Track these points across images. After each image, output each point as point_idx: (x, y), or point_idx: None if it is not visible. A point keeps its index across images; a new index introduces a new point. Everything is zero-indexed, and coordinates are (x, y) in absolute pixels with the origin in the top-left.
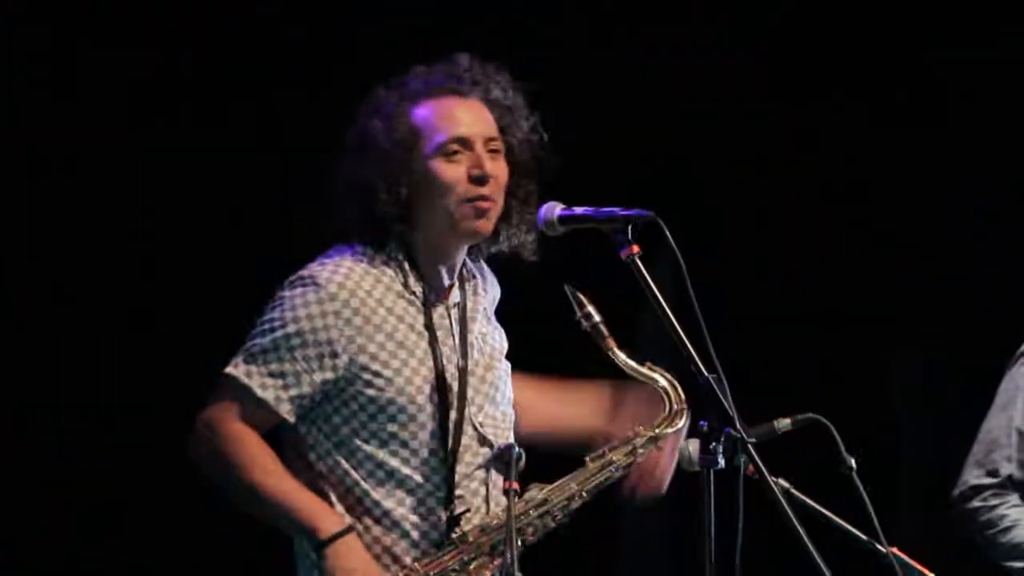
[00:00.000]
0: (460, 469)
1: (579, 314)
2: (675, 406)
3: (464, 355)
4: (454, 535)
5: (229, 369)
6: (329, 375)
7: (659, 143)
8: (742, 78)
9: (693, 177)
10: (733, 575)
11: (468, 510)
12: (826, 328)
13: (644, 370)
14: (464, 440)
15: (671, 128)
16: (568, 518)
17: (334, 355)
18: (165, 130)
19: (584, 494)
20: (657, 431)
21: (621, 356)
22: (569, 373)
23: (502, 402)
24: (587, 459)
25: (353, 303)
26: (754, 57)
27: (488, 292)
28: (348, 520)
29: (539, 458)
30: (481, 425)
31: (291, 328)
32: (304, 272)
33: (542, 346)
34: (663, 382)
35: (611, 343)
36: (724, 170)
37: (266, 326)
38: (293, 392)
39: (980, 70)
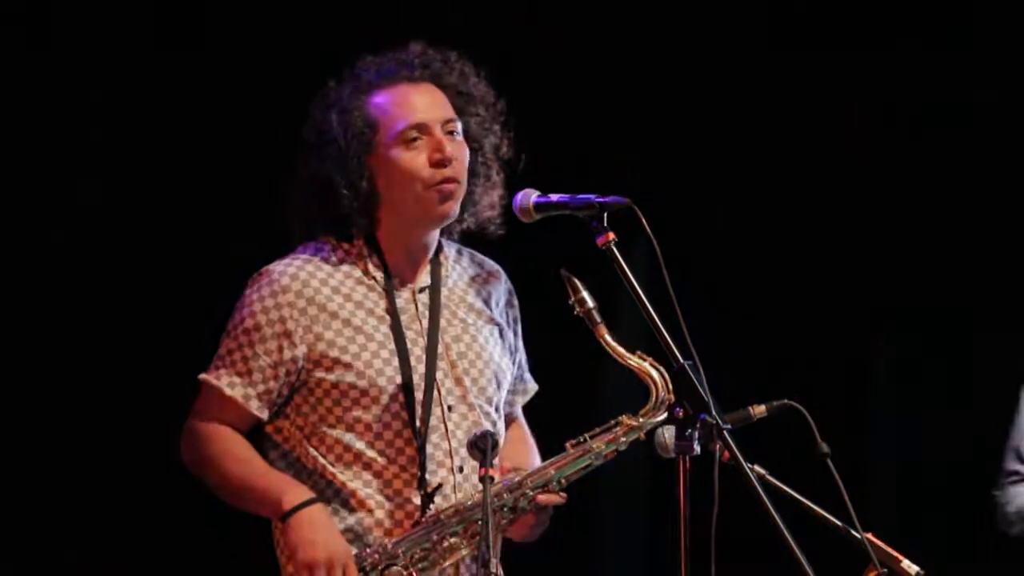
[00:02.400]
0: (428, 450)
1: (573, 299)
2: (661, 396)
3: (431, 337)
4: (428, 513)
5: (203, 374)
6: (290, 366)
7: (636, 129)
8: (726, 64)
9: (670, 164)
10: (708, 560)
11: (440, 485)
12: (802, 315)
13: (633, 359)
14: (432, 421)
15: (650, 114)
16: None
17: (292, 345)
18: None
19: (562, 480)
20: (641, 421)
21: (612, 343)
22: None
23: (478, 397)
24: (567, 445)
25: (307, 292)
26: (738, 46)
27: (484, 288)
28: (313, 493)
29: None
30: (450, 408)
31: (249, 323)
32: (262, 270)
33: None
34: (651, 371)
35: (603, 330)
36: (703, 156)
37: (229, 327)
38: (260, 388)
39: (951, 68)
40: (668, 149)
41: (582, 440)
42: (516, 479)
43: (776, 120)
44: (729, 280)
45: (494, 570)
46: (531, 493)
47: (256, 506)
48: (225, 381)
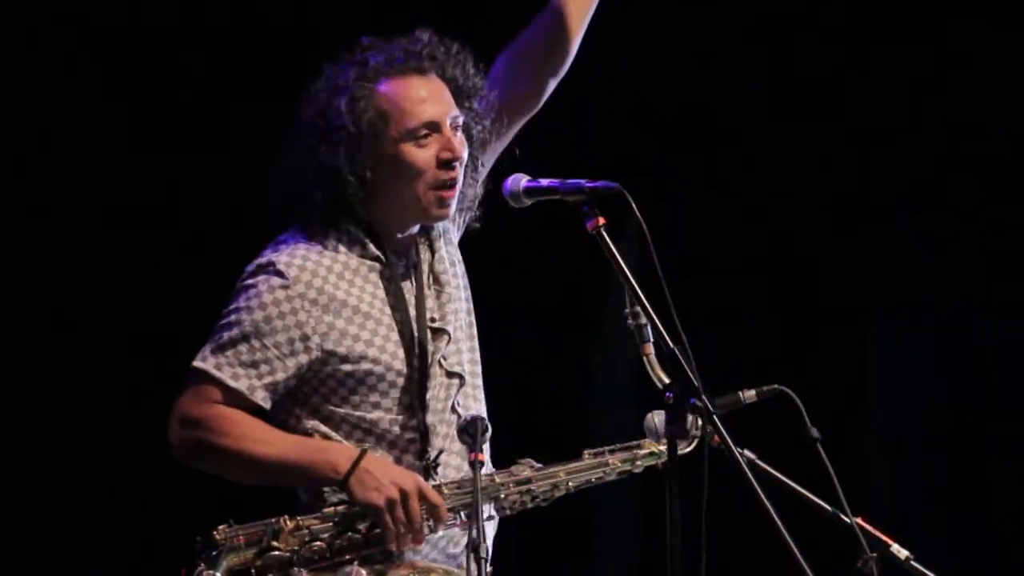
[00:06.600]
0: (430, 418)
1: (628, 310)
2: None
3: (420, 314)
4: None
5: (197, 362)
6: (303, 358)
7: (626, 112)
8: (719, 51)
9: (659, 147)
10: (698, 546)
11: (441, 451)
12: (795, 299)
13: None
14: (431, 392)
15: (637, 97)
16: (547, 503)
17: (305, 338)
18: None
19: (570, 486)
20: (662, 447)
21: (655, 364)
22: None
23: (468, 346)
24: (584, 452)
25: (316, 283)
26: (726, 29)
27: (448, 248)
28: (356, 448)
29: (538, 441)
30: (447, 361)
31: (258, 316)
32: (262, 260)
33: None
34: None
35: (649, 348)
36: (692, 139)
37: (232, 317)
38: (267, 380)
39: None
40: (661, 135)
41: (600, 452)
42: (525, 475)
43: (769, 107)
44: (721, 266)
45: (484, 555)
46: (536, 490)
47: (303, 481)
48: (228, 373)
